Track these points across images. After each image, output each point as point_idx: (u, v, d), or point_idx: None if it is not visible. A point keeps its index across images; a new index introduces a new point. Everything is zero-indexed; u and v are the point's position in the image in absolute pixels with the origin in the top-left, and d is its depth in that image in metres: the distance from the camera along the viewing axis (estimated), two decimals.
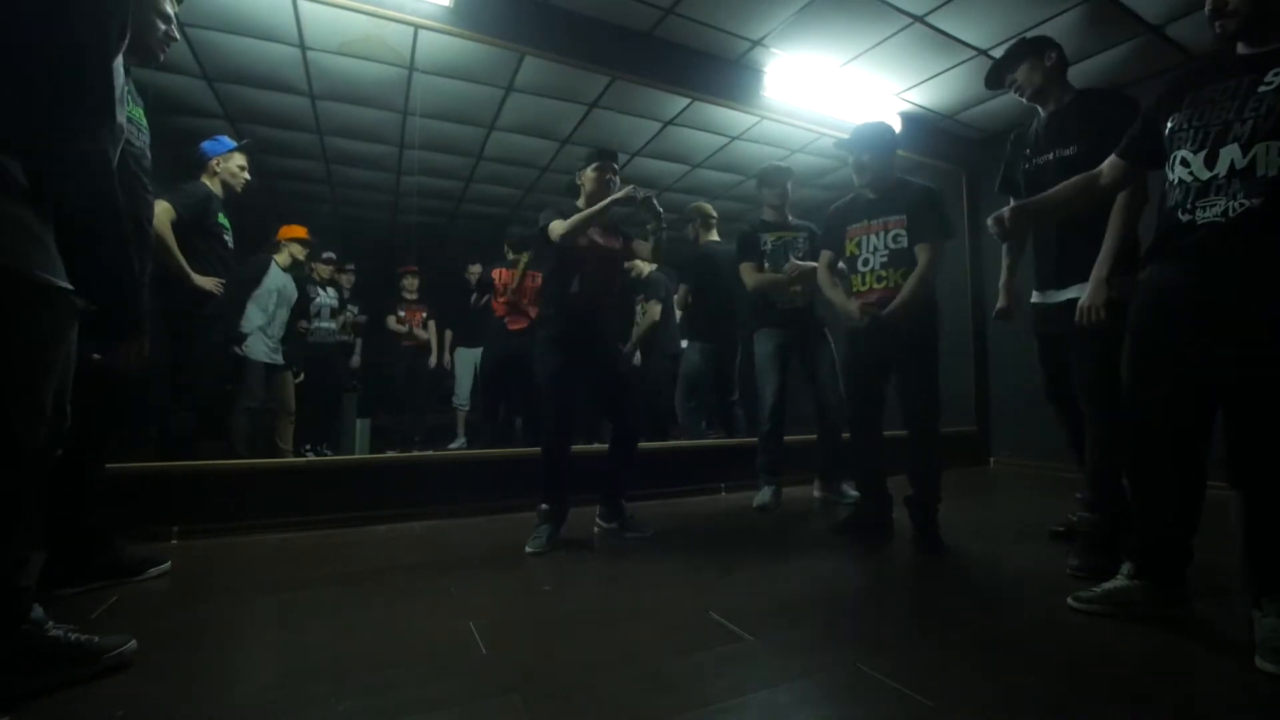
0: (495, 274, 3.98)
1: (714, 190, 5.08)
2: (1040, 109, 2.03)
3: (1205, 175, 1.26)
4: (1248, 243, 1.21)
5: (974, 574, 1.87)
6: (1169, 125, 1.37)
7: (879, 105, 3.99)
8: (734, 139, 4.29)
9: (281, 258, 3.45)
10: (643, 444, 3.26)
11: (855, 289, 2.33)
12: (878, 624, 1.47)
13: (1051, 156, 1.91)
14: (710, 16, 3.15)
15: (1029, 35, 2.10)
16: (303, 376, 3.81)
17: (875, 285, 2.25)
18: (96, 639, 1.15)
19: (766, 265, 2.89)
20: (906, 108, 4.10)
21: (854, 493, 2.75)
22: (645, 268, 3.91)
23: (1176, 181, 1.33)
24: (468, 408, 4.57)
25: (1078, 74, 3.70)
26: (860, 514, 2.40)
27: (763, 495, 2.89)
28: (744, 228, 3.02)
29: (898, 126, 4.11)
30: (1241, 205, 1.20)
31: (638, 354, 3.88)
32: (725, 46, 3.43)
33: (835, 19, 3.14)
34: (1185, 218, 1.30)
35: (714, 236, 3.44)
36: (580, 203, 2.26)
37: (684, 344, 3.69)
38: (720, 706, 1.06)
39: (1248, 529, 1.27)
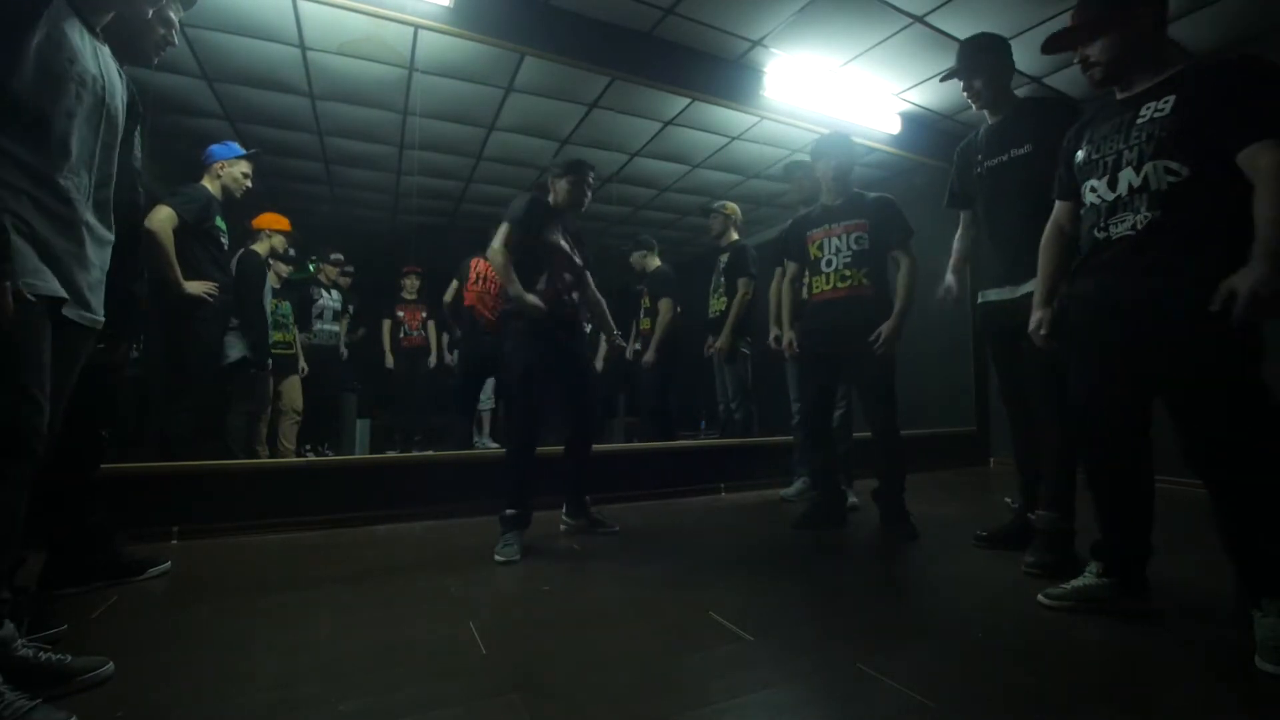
0: (473, 263, 3.76)
1: (714, 190, 5.07)
2: (989, 116, 2.10)
3: (1111, 197, 1.43)
4: (1159, 249, 1.34)
5: (974, 574, 1.87)
6: (1077, 160, 1.54)
7: (879, 105, 3.99)
8: (734, 139, 4.29)
9: (262, 248, 3.24)
10: (643, 444, 3.24)
11: (818, 288, 2.41)
12: (878, 624, 1.47)
13: (1006, 157, 1.99)
14: (710, 16, 3.15)
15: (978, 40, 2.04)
16: (306, 372, 3.77)
17: (840, 285, 2.34)
18: (70, 659, 1.09)
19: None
20: (906, 108, 4.10)
21: (853, 498, 2.78)
22: (653, 262, 3.92)
23: (1089, 206, 1.50)
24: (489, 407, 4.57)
25: (1072, 75, 3.73)
26: (816, 509, 2.46)
27: (792, 487, 3.01)
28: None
29: (897, 126, 4.12)
30: (1145, 218, 1.36)
31: (651, 353, 3.84)
32: (725, 46, 3.42)
33: (835, 19, 3.14)
34: (1101, 235, 1.45)
35: (735, 236, 3.50)
36: (552, 199, 2.24)
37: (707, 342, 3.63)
38: (720, 706, 1.06)
39: (1223, 530, 1.30)
